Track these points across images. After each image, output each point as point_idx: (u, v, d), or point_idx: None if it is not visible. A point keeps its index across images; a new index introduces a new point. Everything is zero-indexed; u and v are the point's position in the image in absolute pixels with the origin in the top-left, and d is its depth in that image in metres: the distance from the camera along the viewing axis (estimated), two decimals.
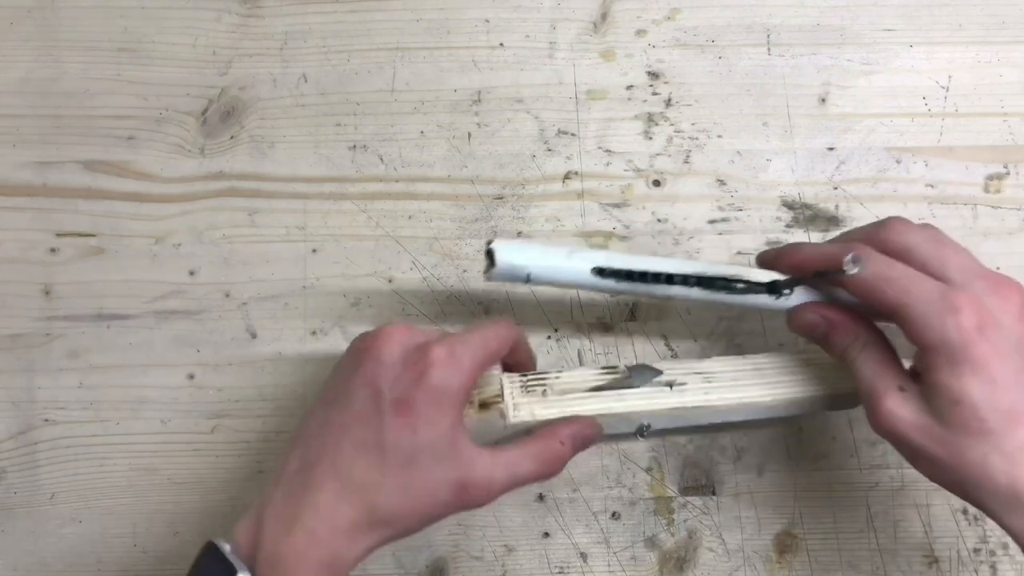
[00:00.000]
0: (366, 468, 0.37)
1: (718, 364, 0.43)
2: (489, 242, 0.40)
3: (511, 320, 0.44)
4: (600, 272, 0.40)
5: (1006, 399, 0.34)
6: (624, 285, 0.40)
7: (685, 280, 0.40)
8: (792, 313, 0.42)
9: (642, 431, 0.43)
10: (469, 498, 0.38)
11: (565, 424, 0.41)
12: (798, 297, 0.41)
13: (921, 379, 0.37)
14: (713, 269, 0.41)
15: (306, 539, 0.36)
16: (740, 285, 0.41)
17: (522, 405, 0.42)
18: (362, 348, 0.39)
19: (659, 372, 0.42)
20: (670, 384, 0.42)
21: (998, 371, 0.34)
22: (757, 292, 0.40)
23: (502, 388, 0.42)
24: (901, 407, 0.36)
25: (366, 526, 0.37)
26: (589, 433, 0.41)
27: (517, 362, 0.44)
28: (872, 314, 0.40)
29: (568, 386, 0.42)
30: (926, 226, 0.39)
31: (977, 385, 0.34)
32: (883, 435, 0.38)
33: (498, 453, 0.39)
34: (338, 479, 0.37)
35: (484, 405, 0.42)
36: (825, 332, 0.40)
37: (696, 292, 0.41)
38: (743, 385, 0.42)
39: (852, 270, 0.36)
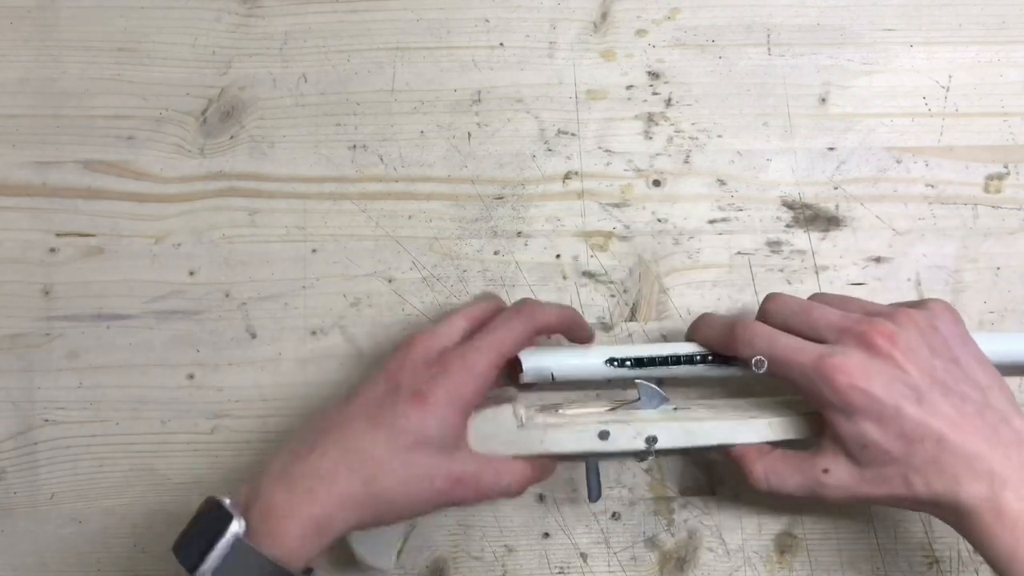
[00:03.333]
0: (373, 443, 0.39)
1: (722, 400, 0.47)
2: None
3: (533, 305, 0.44)
4: (612, 362, 0.46)
5: (894, 428, 0.39)
6: (636, 372, 0.45)
7: (687, 360, 0.45)
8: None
9: (650, 445, 0.43)
10: (459, 492, 0.41)
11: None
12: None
13: (828, 430, 0.41)
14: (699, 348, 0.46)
15: (302, 496, 0.38)
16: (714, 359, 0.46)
17: (536, 415, 0.45)
18: (391, 358, 0.43)
19: (667, 399, 0.45)
20: (676, 408, 0.45)
21: (882, 408, 0.39)
22: (738, 365, 0.45)
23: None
24: (840, 477, 0.40)
25: (361, 496, 0.39)
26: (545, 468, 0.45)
27: (574, 337, 0.47)
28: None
29: (579, 412, 0.45)
30: (797, 299, 0.44)
31: (870, 427, 0.39)
32: (844, 506, 0.45)
33: (489, 459, 0.43)
34: (344, 448, 0.39)
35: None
36: (735, 465, 0.44)
37: (698, 369, 0.46)
38: (744, 408, 0.45)
39: (759, 370, 0.42)
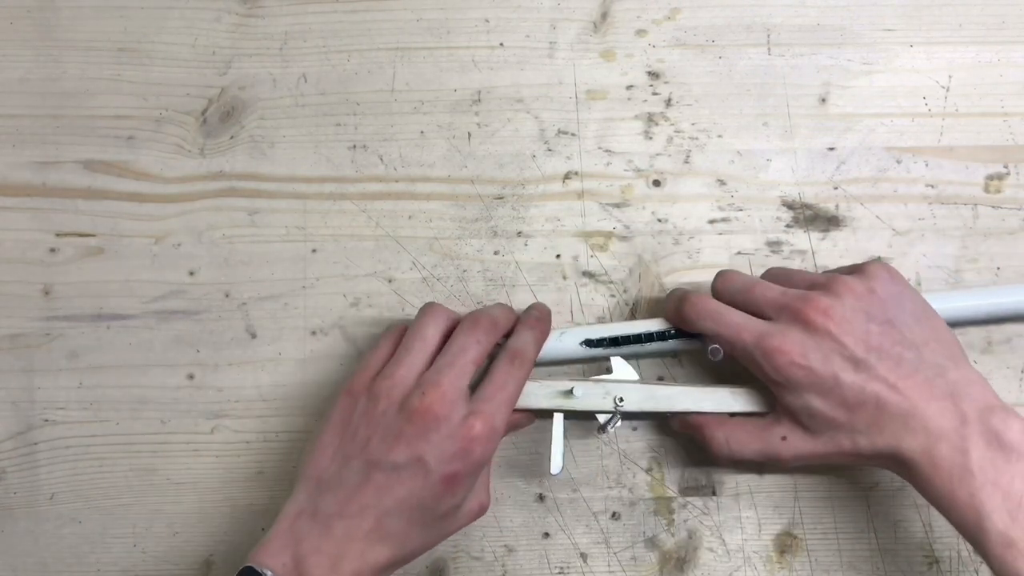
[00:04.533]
0: (408, 523, 0.41)
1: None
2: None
3: (524, 351, 0.45)
4: (588, 343, 0.47)
5: (835, 397, 0.42)
6: (611, 351, 0.47)
7: (659, 336, 0.47)
8: (671, 419, 0.49)
9: (617, 405, 0.45)
10: (482, 515, 0.46)
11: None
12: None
13: (778, 403, 0.44)
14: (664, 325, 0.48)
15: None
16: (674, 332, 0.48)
17: None
18: (404, 420, 0.42)
19: (638, 377, 0.47)
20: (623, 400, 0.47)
21: (822, 380, 0.41)
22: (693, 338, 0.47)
23: None
24: (796, 446, 0.43)
25: (395, 564, 0.42)
26: (512, 421, 0.46)
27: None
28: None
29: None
30: (742, 276, 0.47)
31: (813, 399, 0.42)
32: (801, 468, 0.48)
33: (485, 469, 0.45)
34: (380, 530, 0.41)
35: None
36: (695, 436, 0.47)
37: (669, 344, 0.48)
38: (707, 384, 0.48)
39: (715, 358, 0.45)
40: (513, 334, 0.46)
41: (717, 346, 0.44)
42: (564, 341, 0.47)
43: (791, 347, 0.42)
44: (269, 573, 0.39)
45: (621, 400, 0.45)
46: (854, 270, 0.45)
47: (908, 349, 0.42)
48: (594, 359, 0.48)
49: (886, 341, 0.42)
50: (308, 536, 0.40)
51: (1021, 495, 0.38)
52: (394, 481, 0.41)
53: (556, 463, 0.45)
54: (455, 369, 0.43)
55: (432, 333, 0.45)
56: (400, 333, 0.46)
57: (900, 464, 0.41)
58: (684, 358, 0.50)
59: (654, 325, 0.47)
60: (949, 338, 0.43)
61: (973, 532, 0.39)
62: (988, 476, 0.39)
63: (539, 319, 0.47)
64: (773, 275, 0.47)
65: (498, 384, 0.43)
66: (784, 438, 0.43)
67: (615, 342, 0.47)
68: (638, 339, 0.47)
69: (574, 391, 0.45)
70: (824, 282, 0.44)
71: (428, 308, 0.46)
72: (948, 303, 0.47)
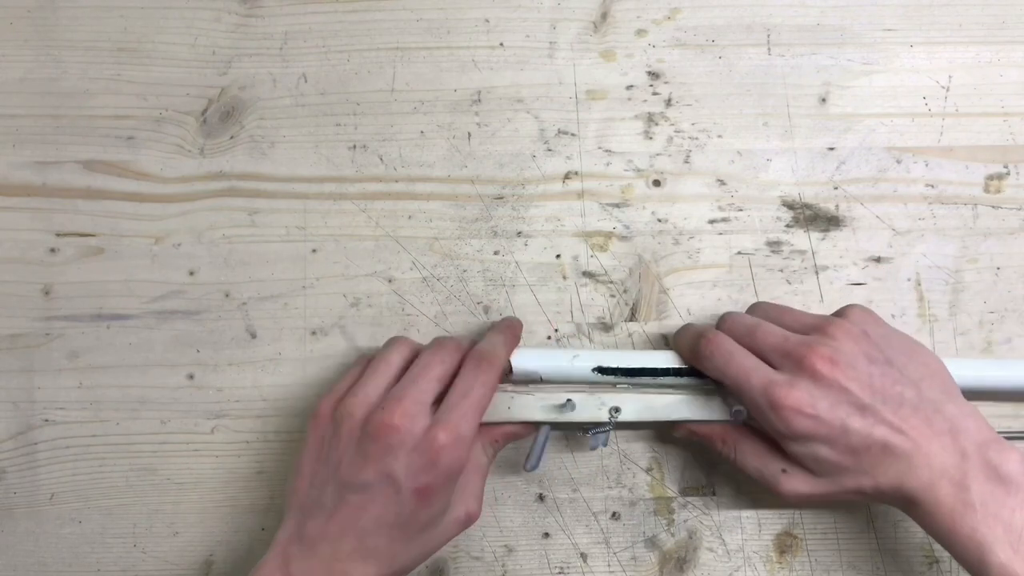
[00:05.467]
0: (389, 541, 0.42)
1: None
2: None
3: (490, 356, 0.44)
4: (601, 371, 0.47)
5: (842, 444, 0.41)
6: (622, 380, 0.47)
7: (675, 372, 0.46)
8: (675, 428, 0.48)
9: (612, 415, 0.45)
10: (470, 524, 0.45)
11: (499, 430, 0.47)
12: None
13: (785, 458, 0.44)
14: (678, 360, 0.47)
15: None
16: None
17: (506, 383, 0.47)
18: (368, 439, 0.42)
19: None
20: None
21: (830, 429, 0.41)
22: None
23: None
24: (795, 485, 0.43)
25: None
26: (509, 433, 0.47)
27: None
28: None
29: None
30: (745, 318, 0.46)
31: (820, 447, 0.42)
32: (799, 506, 0.48)
33: (463, 477, 0.44)
34: (364, 550, 0.41)
35: None
36: (700, 443, 0.47)
37: (684, 382, 0.47)
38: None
39: (738, 420, 0.45)
40: (482, 340, 0.46)
41: (741, 408, 0.44)
42: (576, 364, 0.47)
43: (799, 398, 0.41)
44: None
45: (617, 411, 0.45)
46: (838, 315, 0.45)
47: (908, 387, 0.42)
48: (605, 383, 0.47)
49: (887, 382, 0.42)
50: (296, 559, 0.41)
51: (1022, 528, 0.39)
52: (367, 500, 0.41)
53: (532, 462, 0.45)
54: (417, 385, 0.43)
55: (396, 359, 0.45)
56: (367, 362, 0.46)
57: (903, 501, 0.41)
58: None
59: (667, 360, 0.47)
60: (940, 369, 0.43)
61: (976, 567, 0.39)
62: (989, 510, 0.39)
63: (509, 325, 0.48)
64: (763, 311, 0.47)
65: (461, 391, 0.43)
66: (784, 471, 0.43)
67: (629, 373, 0.46)
68: (652, 372, 0.46)
69: (569, 404, 0.45)
70: (820, 325, 0.44)
71: (394, 338, 0.47)
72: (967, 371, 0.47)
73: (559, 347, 0.50)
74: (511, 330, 0.47)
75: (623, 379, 0.46)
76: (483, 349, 0.45)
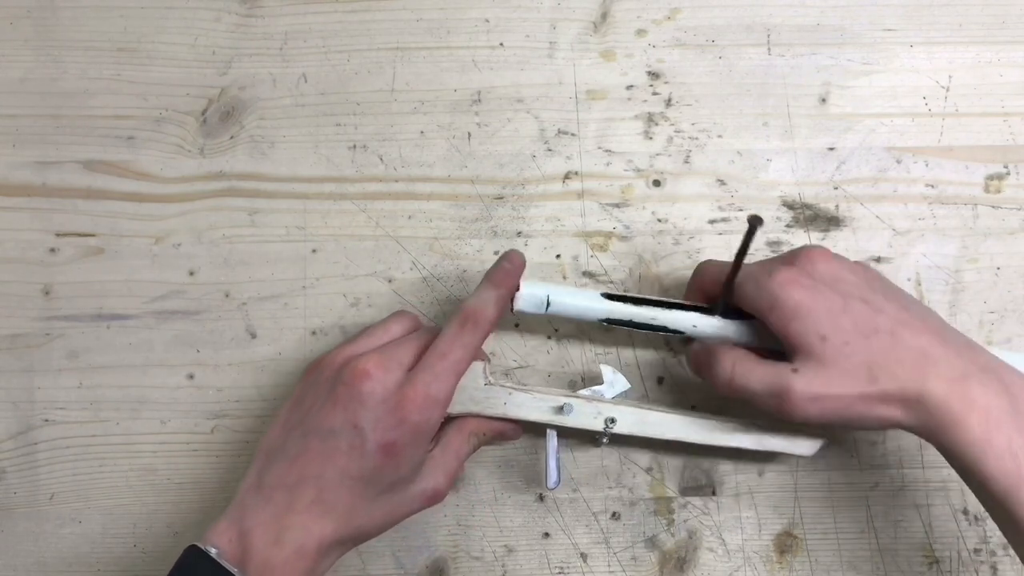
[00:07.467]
0: (350, 496, 0.40)
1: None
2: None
3: (475, 311, 0.43)
4: (609, 297, 0.45)
5: (847, 318, 0.39)
6: (630, 308, 0.45)
7: (680, 307, 0.45)
8: (688, 357, 0.46)
9: (607, 426, 0.45)
10: (436, 502, 0.43)
11: (475, 423, 0.45)
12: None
13: (793, 357, 0.41)
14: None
15: (294, 552, 0.39)
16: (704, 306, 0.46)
17: (503, 378, 0.46)
18: (339, 382, 0.41)
19: (628, 386, 0.46)
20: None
21: (832, 301, 0.40)
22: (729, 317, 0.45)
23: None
24: (809, 382, 0.39)
25: (343, 541, 0.41)
26: (499, 429, 0.46)
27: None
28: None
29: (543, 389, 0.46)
30: (721, 263, 0.46)
31: (823, 319, 0.39)
32: (813, 418, 0.40)
33: (443, 451, 0.44)
34: (323, 503, 0.40)
35: None
36: (702, 364, 0.44)
37: (684, 317, 0.45)
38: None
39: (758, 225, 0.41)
40: (473, 292, 0.44)
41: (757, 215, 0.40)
42: (583, 295, 0.45)
43: (797, 274, 0.41)
44: (214, 551, 0.39)
45: (612, 422, 0.45)
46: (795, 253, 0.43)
47: (911, 303, 0.41)
48: (612, 321, 0.46)
49: (887, 292, 0.41)
50: (252, 509, 0.40)
51: None
52: (332, 448, 0.40)
53: (552, 478, 0.45)
54: (401, 345, 0.43)
55: (396, 329, 0.45)
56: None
57: (925, 406, 0.38)
58: (683, 359, 0.50)
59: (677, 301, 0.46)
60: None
61: (1011, 480, 0.36)
62: None
63: (507, 274, 0.44)
64: (715, 265, 0.46)
65: (440, 352, 0.42)
66: (795, 369, 0.40)
67: (636, 302, 0.45)
68: (659, 304, 0.45)
69: (566, 408, 0.45)
70: (794, 252, 0.43)
71: (399, 311, 0.47)
72: None
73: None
74: (508, 280, 0.44)
75: (631, 307, 0.45)
76: (471, 307, 0.43)
